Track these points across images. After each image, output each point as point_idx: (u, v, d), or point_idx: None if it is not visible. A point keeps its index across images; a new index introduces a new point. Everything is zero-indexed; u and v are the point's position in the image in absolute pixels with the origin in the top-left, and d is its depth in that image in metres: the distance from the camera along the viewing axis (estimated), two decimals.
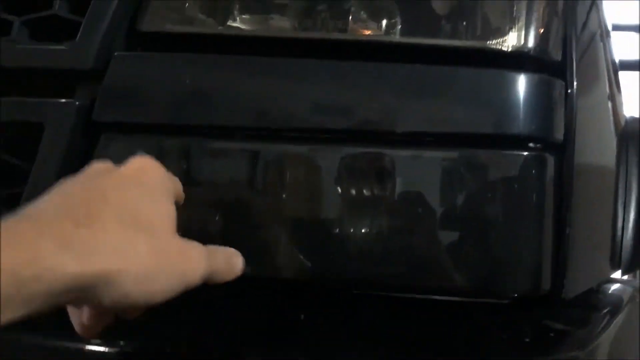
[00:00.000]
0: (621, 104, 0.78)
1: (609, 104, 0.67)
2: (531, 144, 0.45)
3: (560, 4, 0.49)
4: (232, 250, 0.40)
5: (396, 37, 0.46)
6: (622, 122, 0.76)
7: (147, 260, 0.33)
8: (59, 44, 0.48)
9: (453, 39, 0.46)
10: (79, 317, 0.36)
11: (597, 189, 0.61)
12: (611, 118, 0.69)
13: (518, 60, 0.45)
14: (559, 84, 0.46)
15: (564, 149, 0.46)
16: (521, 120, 0.44)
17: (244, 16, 0.49)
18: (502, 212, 0.45)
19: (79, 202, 0.32)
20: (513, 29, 0.46)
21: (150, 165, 0.37)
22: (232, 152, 0.46)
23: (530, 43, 0.46)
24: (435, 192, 0.45)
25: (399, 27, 0.46)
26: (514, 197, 0.45)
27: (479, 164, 0.44)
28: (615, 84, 0.73)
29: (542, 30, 0.46)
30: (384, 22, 0.47)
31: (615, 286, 0.72)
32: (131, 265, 0.32)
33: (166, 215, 0.35)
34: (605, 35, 0.67)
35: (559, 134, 0.46)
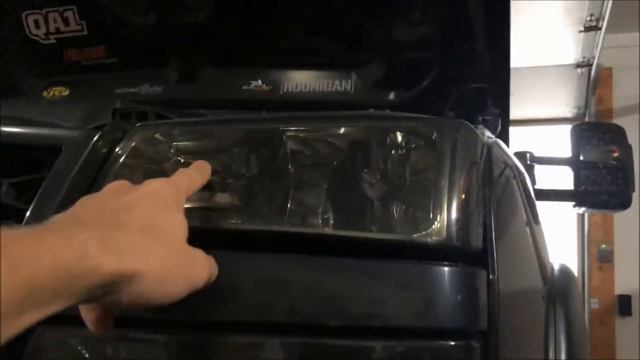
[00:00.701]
0: (542, 233, 0.83)
1: (533, 255, 0.71)
2: (457, 334, 0.47)
3: (479, 193, 0.54)
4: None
5: (329, 230, 0.49)
6: (547, 265, 0.80)
7: (164, 264, 0.38)
8: None
9: (381, 231, 0.49)
10: (90, 317, 0.42)
11: (528, 351, 0.64)
12: (537, 266, 0.73)
13: (442, 252, 0.49)
14: (481, 274, 0.50)
15: (488, 334, 0.49)
16: (447, 314, 0.47)
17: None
18: None
19: (109, 212, 0.38)
20: (436, 222, 0.50)
21: (164, 187, 0.43)
22: (168, 343, 0.46)
23: (454, 236, 0.49)
24: None
25: (332, 222, 0.49)
26: None
27: (409, 354, 0.46)
28: (532, 216, 0.77)
29: (464, 223, 0.50)
30: (319, 214, 0.50)
31: None
32: (151, 268, 0.37)
33: (179, 226, 0.41)
34: (518, 175, 0.72)
35: (483, 323, 0.48)
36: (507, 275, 0.54)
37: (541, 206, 0.96)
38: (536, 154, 1.62)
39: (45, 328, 0.46)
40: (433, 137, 0.53)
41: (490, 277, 0.51)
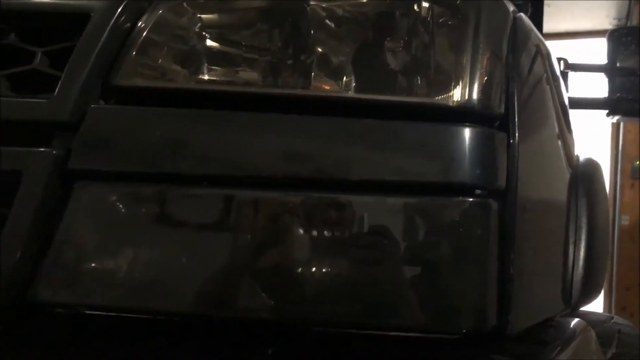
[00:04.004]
0: (573, 142, 0.83)
1: (559, 143, 0.71)
2: (475, 191, 0.49)
3: (504, 60, 0.54)
4: None
5: (352, 94, 0.50)
6: (575, 161, 0.81)
7: None
8: (39, 97, 0.51)
9: (403, 95, 0.50)
10: None
11: (547, 227, 0.65)
12: (562, 156, 0.73)
13: (463, 114, 0.50)
14: (501, 136, 0.51)
15: (506, 195, 0.50)
16: (466, 170, 0.48)
17: (213, 72, 0.53)
18: (449, 254, 0.48)
19: None
20: (458, 86, 0.50)
21: None
22: (199, 198, 0.49)
23: (474, 99, 0.50)
24: (388, 235, 0.48)
25: (354, 85, 0.50)
26: (461, 240, 0.48)
27: (428, 210, 0.48)
28: (565, 124, 0.77)
29: (485, 87, 0.51)
30: (342, 80, 0.51)
31: (572, 320, 0.76)
32: None
33: None
34: (552, 79, 0.72)
35: (502, 182, 0.50)
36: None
37: (575, 122, 0.94)
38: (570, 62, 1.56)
39: (86, 184, 0.49)
40: (457, 3, 0.53)
41: (511, 141, 0.51)
